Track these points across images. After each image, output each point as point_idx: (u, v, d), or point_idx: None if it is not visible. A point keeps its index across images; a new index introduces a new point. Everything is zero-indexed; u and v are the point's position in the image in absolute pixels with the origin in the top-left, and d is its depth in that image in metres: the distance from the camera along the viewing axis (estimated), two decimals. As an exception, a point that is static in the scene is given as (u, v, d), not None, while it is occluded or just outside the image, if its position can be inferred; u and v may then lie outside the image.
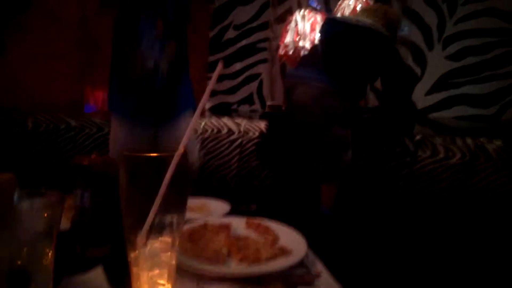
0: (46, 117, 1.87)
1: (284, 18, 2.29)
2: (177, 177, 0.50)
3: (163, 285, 0.52)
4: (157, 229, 0.52)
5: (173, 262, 0.53)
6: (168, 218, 0.52)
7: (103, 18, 1.63)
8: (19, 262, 0.34)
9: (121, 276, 0.54)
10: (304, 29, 2.11)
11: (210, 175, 1.55)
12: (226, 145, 1.85)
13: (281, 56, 2.25)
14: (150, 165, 0.50)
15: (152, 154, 0.50)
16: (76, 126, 1.86)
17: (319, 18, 2.10)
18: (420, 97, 2.16)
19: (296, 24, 2.13)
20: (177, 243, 0.53)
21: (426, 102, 2.16)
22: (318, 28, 2.11)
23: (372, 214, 1.58)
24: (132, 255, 0.51)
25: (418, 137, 1.60)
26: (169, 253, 0.53)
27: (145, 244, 0.51)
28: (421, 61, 2.20)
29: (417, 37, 2.18)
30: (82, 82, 2.12)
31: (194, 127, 0.44)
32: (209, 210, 0.98)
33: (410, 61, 2.22)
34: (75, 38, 2.12)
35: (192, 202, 1.02)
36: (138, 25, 1.44)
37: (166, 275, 0.52)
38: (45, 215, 0.35)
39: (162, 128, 1.53)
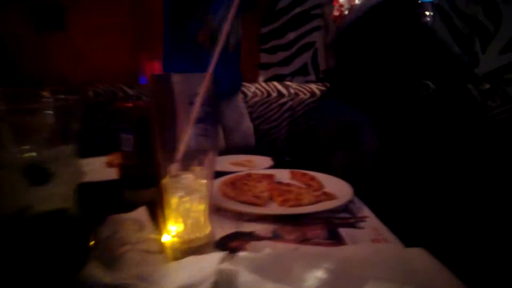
0: (106, 86, 2.01)
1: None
2: (207, 101, 0.50)
3: (197, 211, 0.52)
4: (189, 157, 0.52)
5: (204, 189, 0.52)
6: (200, 147, 0.52)
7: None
8: (36, 158, 0.35)
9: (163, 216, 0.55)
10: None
11: (261, 139, 1.54)
12: (276, 109, 1.83)
13: (336, 18, 2.14)
14: (182, 85, 0.50)
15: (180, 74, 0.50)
16: (133, 94, 1.98)
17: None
18: (494, 56, 1.92)
19: (351, -19, 2.02)
20: (209, 172, 0.53)
21: (501, 62, 1.91)
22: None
23: (433, 167, 1.46)
24: (163, 181, 0.52)
25: (487, 85, 1.42)
26: (200, 180, 0.52)
27: (177, 171, 0.52)
28: (495, 15, 1.94)
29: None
30: (137, 53, 2.23)
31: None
32: (255, 165, 0.97)
33: (481, 16, 1.97)
34: (130, 10, 2.22)
35: (238, 157, 1.02)
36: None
37: (197, 202, 0.52)
38: (61, 114, 0.36)
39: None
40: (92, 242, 0.38)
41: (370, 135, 1.41)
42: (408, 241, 0.53)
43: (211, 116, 0.52)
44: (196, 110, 0.49)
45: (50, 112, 0.37)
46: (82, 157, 1.03)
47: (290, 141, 1.75)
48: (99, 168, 0.96)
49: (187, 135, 0.50)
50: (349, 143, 1.44)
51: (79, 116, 0.37)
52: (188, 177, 0.53)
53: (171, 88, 0.50)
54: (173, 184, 0.51)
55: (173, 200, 0.51)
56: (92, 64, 2.24)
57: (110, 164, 0.98)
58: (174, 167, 0.51)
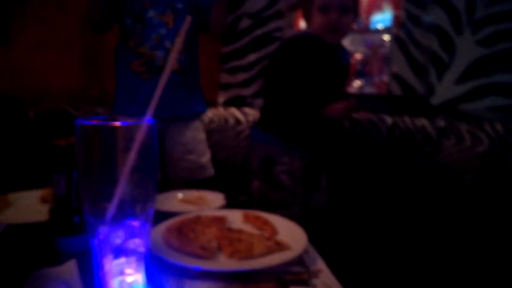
0: (49, 106, 1.85)
1: (297, 6, 2.18)
2: (145, 151, 0.44)
3: (132, 274, 0.46)
4: (122, 213, 0.45)
5: (142, 249, 0.46)
6: (134, 200, 0.46)
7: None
8: None
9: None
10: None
11: (216, 166, 1.47)
12: (233, 136, 1.78)
13: (290, 39, 2.16)
14: (111, 135, 0.44)
15: (112, 122, 0.43)
16: (78, 117, 1.85)
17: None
18: (449, 86, 2.01)
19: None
20: (147, 229, 0.47)
21: (456, 92, 2.00)
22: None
23: (387, 206, 1.48)
24: (95, 242, 0.45)
25: (442, 123, 1.46)
26: (136, 239, 0.46)
27: (107, 230, 0.45)
28: (449, 47, 2.04)
29: (443, 21, 2.02)
30: (84, 71, 2.10)
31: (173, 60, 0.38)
32: (206, 202, 0.91)
33: (436, 47, 2.06)
34: (78, 26, 2.09)
35: (189, 194, 0.96)
36: (144, 15, 1.37)
37: (133, 264, 0.45)
38: None
39: (168, 131, 1.46)
40: None
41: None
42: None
43: (149, 165, 0.46)
44: (130, 161, 0.43)
45: None
46: (15, 190, 0.92)
47: (246, 171, 1.70)
48: (32, 204, 0.86)
49: (121, 188, 0.43)
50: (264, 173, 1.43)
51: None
52: (121, 236, 0.46)
53: (102, 138, 0.44)
54: (104, 245, 0.44)
55: (106, 263, 0.44)
56: (35, 81, 2.07)
57: (44, 200, 0.88)
58: (103, 228, 0.45)
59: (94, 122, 0.45)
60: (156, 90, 0.43)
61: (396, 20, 2.01)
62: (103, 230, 0.45)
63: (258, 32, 2.30)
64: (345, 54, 1.50)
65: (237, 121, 1.79)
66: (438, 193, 1.40)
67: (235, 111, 1.83)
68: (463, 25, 1.97)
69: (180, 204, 0.90)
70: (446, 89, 2.00)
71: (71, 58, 2.11)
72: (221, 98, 2.36)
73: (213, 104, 2.09)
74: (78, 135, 0.45)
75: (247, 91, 2.34)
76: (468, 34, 1.96)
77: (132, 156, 0.43)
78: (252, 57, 2.32)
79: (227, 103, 1.92)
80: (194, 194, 0.95)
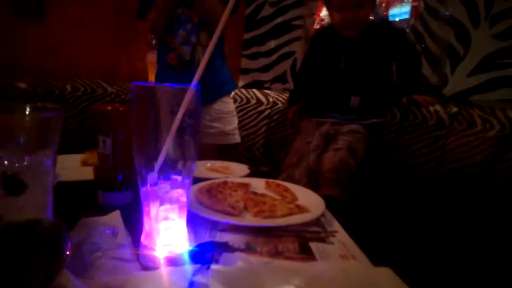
0: (84, 81, 1.97)
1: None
2: (189, 114, 0.50)
3: (174, 219, 0.53)
4: (169, 167, 0.52)
5: (184, 199, 0.53)
6: (180, 157, 0.53)
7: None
8: (14, 168, 0.34)
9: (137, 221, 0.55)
10: (341, 1, 2.05)
11: (238, 144, 1.58)
12: (254, 116, 1.86)
13: (316, 30, 2.20)
14: (165, 96, 0.50)
15: (163, 85, 0.50)
16: (112, 92, 1.94)
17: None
18: (462, 78, 2.02)
19: (333, -3, 2.07)
20: (188, 182, 0.54)
21: (469, 83, 2.01)
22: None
23: (400, 188, 1.53)
24: (143, 189, 0.52)
25: (455, 109, 1.50)
26: (180, 190, 0.53)
27: (156, 180, 0.52)
28: (465, 40, 2.05)
29: (460, 13, 2.03)
30: (118, 49, 2.18)
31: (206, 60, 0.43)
32: (231, 171, 0.98)
33: (452, 39, 2.07)
34: (113, 5, 2.18)
35: (215, 163, 1.03)
36: (174, 14, 1.46)
37: (176, 211, 0.52)
38: (40, 125, 0.36)
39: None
40: (68, 253, 0.38)
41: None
42: (375, 259, 0.55)
43: (192, 127, 0.53)
44: (177, 120, 0.50)
45: (29, 121, 0.36)
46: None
47: (265, 148, 1.77)
48: (73, 167, 0.94)
49: (167, 145, 0.50)
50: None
51: (60, 127, 0.37)
52: (167, 186, 0.53)
53: (153, 98, 0.51)
54: (153, 193, 0.51)
55: (152, 209, 0.51)
56: (71, 57, 2.17)
57: (85, 163, 0.96)
58: (153, 176, 0.51)
59: (148, 84, 0.52)
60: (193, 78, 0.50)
61: (414, 12, 2.03)
62: (152, 180, 0.52)
63: (279, 19, 2.35)
64: (370, 41, 1.57)
65: (258, 101, 1.87)
66: (445, 180, 1.45)
67: (256, 92, 1.89)
68: (480, 19, 1.98)
69: (207, 172, 0.97)
70: (459, 81, 2.02)
71: (105, 36, 2.20)
72: (241, 82, 2.43)
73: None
74: (133, 96, 0.52)
75: (266, 76, 2.41)
76: (485, 27, 1.96)
77: (179, 117, 0.50)
78: (272, 43, 2.38)
79: (247, 87, 1.99)
80: (219, 163, 1.02)
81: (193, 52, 1.49)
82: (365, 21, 1.53)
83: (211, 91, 1.55)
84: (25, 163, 0.35)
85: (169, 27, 1.49)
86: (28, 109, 0.38)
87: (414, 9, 2.03)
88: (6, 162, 0.35)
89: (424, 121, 1.55)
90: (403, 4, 2.05)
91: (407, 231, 1.25)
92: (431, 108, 1.57)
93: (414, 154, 1.54)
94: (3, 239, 0.34)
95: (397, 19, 2.11)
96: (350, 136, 1.47)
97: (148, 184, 0.51)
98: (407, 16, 2.10)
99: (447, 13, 2.09)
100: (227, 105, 1.65)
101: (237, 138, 1.67)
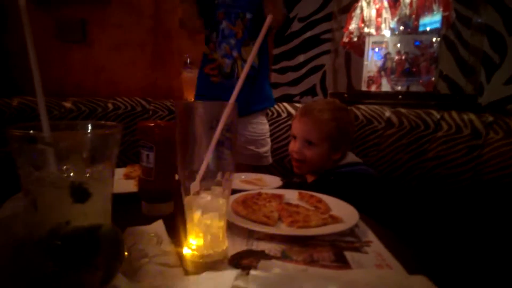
0: (125, 99, 2.10)
1: (348, 8, 2.24)
2: (228, 128, 0.54)
3: (214, 228, 0.56)
4: (209, 178, 0.55)
5: (224, 208, 0.56)
6: (219, 169, 0.56)
7: (176, 10, 1.76)
8: (81, 179, 0.39)
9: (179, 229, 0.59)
10: (370, 15, 2.05)
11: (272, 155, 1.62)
12: (285, 129, 1.89)
13: (345, 44, 2.21)
14: (204, 112, 0.54)
15: (203, 101, 0.54)
16: (150, 109, 2.05)
17: (386, 3, 2.04)
18: (498, 86, 1.97)
19: (362, 11, 2.08)
20: (227, 192, 0.57)
21: (505, 92, 1.96)
22: (384, 13, 2.05)
23: (434, 198, 1.50)
24: (186, 198, 0.55)
25: (490, 118, 1.46)
26: (220, 199, 0.56)
27: (198, 190, 0.55)
28: (500, 48, 2.00)
29: (495, 21, 1.99)
30: (155, 68, 2.31)
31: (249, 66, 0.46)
32: (264, 183, 1.01)
33: (486, 47, 2.02)
34: (150, 28, 2.32)
35: (248, 175, 1.06)
36: (218, 26, 1.53)
37: (216, 219, 0.56)
38: (102, 140, 0.40)
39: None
40: (126, 255, 0.42)
41: None
42: (410, 268, 0.56)
43: (230, 141, 0.56)
44: (217, 134, 0.53)
45: (91, 138, 0.41)
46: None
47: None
48: (117, 180, 1.00)
49: (208, 157, 0.54)
50: None
51: (118, 141, 0.42)
52: (208, 196, 0.56)
53: (194, 114, 0.55)
54: (195, 202, 0.55)
55: (195, 217, 0.55)
56: (112, 77, 2.34)
57: (128, 176, 1.02)
58: (194, 186, 0.55)
59: (190, 101, 0.56)
60: (234, 90, 0.53)
61: (446, 21, 2.01)
62: (194, 190, 0.55)
63: (308, 34, 2.39)
64: None
65: (289, 115, 1.90)
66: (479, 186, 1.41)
67: (287, 106, 1.93)
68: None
69: (241, 184, 1.00)
70: (495, 89, 1.97)
71: (143, 57, 2.35)
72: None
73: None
74: (176, 112, 0.56)
75: (295, 90, 2.45)
76: (521, 34, 1.92)
77: (218, 131, 0.53)
78: (301, 58, 2.42)
79: (277, 101, 2.03)
80: (253, 176, 1.05)
81: (233, 65, 1.54)
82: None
83: (249, 103, 1.58)
84: (89, 174, 0.40)
85: (208, 39, 1.55)
86: (90, 126, 0.43)
87: (445, 19, 2.00)
88: (72, 173, 0.39)
89: (459, 131, 1.51)
90: (434, 14, 2.03)
91: (442, 241, 1.22)
92: (465, 117, 1.54)
93: (449, 164, 1.51)
94: (70, 242, 0.38)
95: (428, 28, 2.09)
96: None
97: (191, 194, 0.55)
98: (438, 26, 2.08)
99: (480, 21, 2.06)
100: (262, 126, 1.68)
101: (269, 160, 1.70)
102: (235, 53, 1.52)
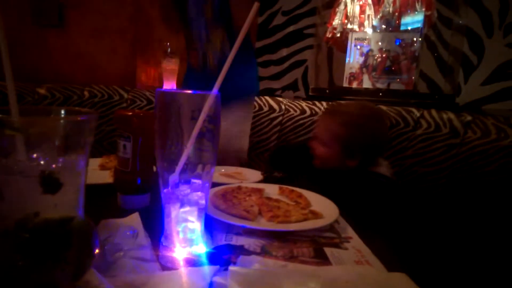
0: (102, 87, 2.03)
1: (332, 3, 2.24)
2: (210, 119, 0.52)
3: (192, 222, 0.54)
4: (189, 170, 0.54)
5: (203, 202, 0.54)
6: (199, 161, 0.54)
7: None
8: (52, 168, 0.37)
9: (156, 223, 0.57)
10: (354, 11, 2.06)
11: (250, 150, 1.58)
12: (266, 123, 1.88)
13: (328, 39, 2.21)
14: (186, 102, 0.52)
15: (186, 91, 0.52)
16: (128, 98, 1.99)
17: (369, 0, 2.04)
18: (475, 87, 2.03)
19: (345, 7, 2.08)
20: (207, 185, 0.55)
21: (482, 93, 2.02)
22: (368, 10, 2.06)
23: (412, 196, 1.53)
24: (164, 191, 0.53)
25: (468, 117, 1.50)
26: (199, 192, 0.54)
27: (176, 183, 0.53)
28: (478, 49, 2.06)
29: (474, 23, 2.04)
30: (134, 57, 2.25)
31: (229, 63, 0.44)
32: (244, 177, 1.00)
33: (465, 48, 2.08)
34: (130, 15, 2.25)
35: (228, 169, 1.05)
36: (187, 11, 1.48)
37: (195, 213, 0.54)
38: (75, 128, 0.38)
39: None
40: (97, 250, 0.40)
41: None
42: (389, 264, 0.56)
43: (212, 133, 0.54)
44: (198, 126, 0.51)
45: (64, 124, 0.39)
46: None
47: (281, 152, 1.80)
48: (91, 170, 0.97)
49: (188, 149, 0.52)
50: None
51: (93, 129, 0.39)
52: (187, 189, 0.55)
53: (175, 104, 0.53)
54: (174, 195, 0.53)
55: (173, 210, 0.53)
56: (89, 64, 2.25)
57: (103, 167, 0.98)
58: (173, 178, 0.53)
59: (171, 90, 0.54)
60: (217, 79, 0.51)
61: (428, 20, 2.04)
62: (173, 182, 0.54)
63: (291, 28, 2.38)
64: None
65: (271, 108, 1.89)
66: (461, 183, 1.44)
67: (268, 99, 1.92)
68: (494, 28, 1.98)
69: (221, 177, 0.99)
70: (472, 90, 2.03)
71: (122, 44, 2.28)
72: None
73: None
74: (157, 102, 0.54)
75: (277, 84, 2.44)
76: (499, 37, 1.97)
77: (199, 122, 0.52)
78: (283, 51, 2.41)
79: (259, 94, 2.01)
80: (233, 169, 1.04)
81: (213, 54, 1.49)
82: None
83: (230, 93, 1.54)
84: (60, 163, 0.37)
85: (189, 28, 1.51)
86: (63, 113, 0.40)
87: (427, 18, 2.03)
88: (43, 162, 0.37)
89: (438, 130, 1.55)
90: (416, 13, 2.06)
91: (420, 238, 1.25)
92: (444, 116, 1.57)
93: (427, 162, 1.54)
94: (38, 234, 0.36)
95: (409, 28, 2.12)
96: None
97: (169, 186, 0.53)
98: (419, 25, 2.11)
99: (460, 22, 2.10)
100: (242, 125, 1.60)
101: (245, 158, 1.62)
102: (209, 43, 1.48)
